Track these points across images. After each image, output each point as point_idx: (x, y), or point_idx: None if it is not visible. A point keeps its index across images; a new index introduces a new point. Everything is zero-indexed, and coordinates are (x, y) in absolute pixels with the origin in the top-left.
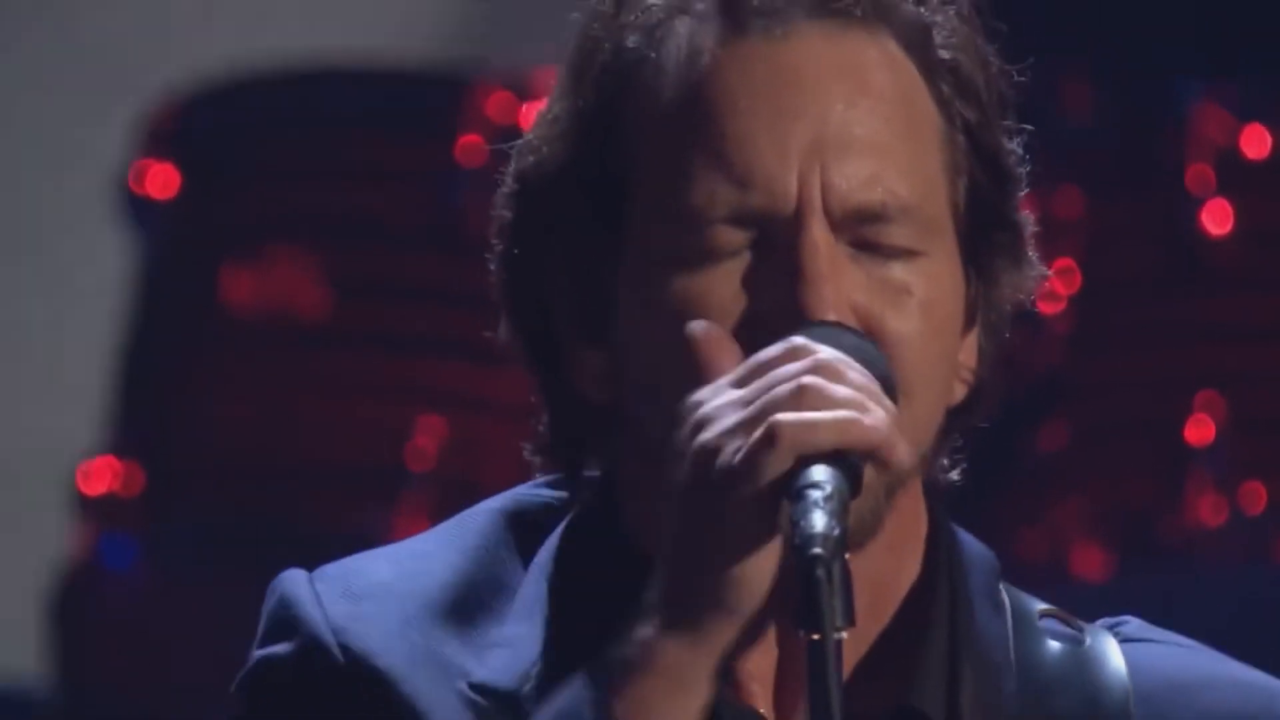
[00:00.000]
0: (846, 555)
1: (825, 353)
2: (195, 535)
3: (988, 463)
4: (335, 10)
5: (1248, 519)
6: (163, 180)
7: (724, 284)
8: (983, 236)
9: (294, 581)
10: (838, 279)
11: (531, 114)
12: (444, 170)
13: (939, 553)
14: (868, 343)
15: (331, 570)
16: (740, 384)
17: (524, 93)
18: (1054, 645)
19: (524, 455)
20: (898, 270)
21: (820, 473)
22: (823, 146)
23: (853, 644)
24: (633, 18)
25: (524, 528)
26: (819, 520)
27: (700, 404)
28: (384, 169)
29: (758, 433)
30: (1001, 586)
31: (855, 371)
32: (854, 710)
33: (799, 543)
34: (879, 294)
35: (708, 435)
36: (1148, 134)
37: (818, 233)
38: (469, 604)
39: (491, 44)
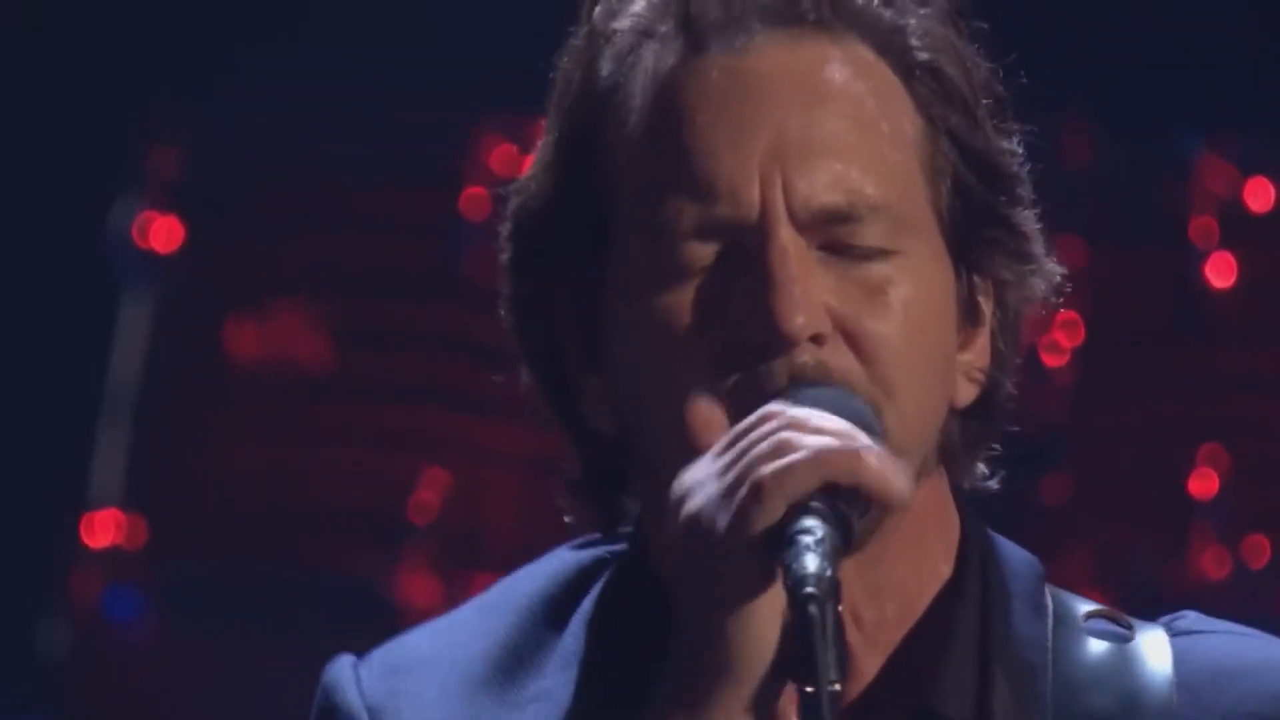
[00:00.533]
0: (840, 607)
1: (797, 411)
2: (199, 587)
3: (990, 514)
4: (340, 61)
5: (1251, 572)
6: (166, 233)
7: (698, 298)
8: (974, 235)
9: (338, 669)
10: (807, 281)
11: None
12: (448, 222)
13: (971, 557)
14: (845, 394)
15: (377, 651)
16: (720, 454)
17: (527, 145)
18: (1096, 645)
19: (526, 508)
20: (872, 270)
21: (809, 521)
22: (784, 152)
23: (878, 649)
24: (603, 47)
25: (571, 582)
26: (811, 562)
27: (685, 476)
28: (388, 221)
29: (743, 490)
30: (1047, 589)
31: (829, 420)
32: (876, 714)
33: (791, 584)
34: (853, 295)
35: (693, 503)
36: (1151, 186)
37: (783, 236)
38: (509, 664)
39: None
